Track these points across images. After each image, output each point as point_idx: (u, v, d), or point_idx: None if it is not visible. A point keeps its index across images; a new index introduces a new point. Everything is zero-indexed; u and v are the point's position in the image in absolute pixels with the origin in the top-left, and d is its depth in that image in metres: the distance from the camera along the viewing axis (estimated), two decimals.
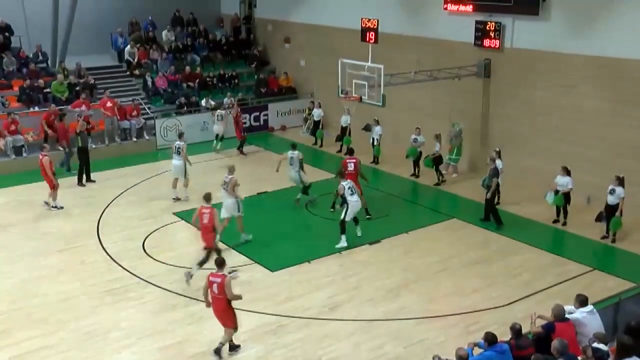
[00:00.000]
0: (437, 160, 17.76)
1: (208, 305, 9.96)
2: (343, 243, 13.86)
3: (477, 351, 8.25)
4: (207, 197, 12.26)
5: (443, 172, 18.07)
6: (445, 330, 10.70)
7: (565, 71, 16.27)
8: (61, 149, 18.83)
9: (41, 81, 21.15)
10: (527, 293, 11.89)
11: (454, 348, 8.07)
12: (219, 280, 9.62)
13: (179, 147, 16.33)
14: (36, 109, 20.37)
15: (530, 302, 11.47)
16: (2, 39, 22.27)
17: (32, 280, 12.51)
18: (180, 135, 17.02)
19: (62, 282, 12.45)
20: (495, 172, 14.82)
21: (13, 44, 22.77)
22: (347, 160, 15.44)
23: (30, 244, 14.16)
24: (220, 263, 9.91)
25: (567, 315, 8.66)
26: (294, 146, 16.42)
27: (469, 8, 17.99)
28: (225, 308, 9.76)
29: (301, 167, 16.19)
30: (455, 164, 18.28)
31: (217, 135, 21.18)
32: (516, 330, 8.33)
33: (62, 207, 16.04)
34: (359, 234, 14.23)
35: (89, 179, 18.09)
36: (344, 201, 13.92)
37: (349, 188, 13.88)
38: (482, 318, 11.02)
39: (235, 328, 9.95)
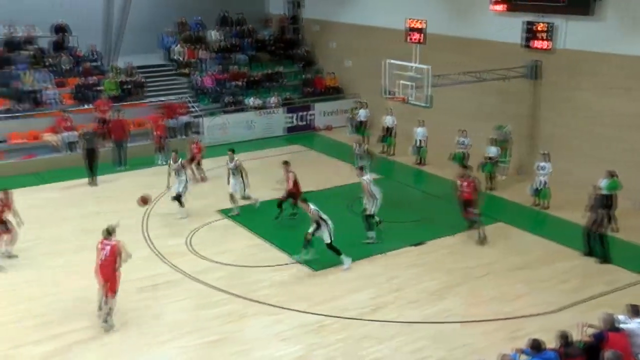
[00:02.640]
0: (495, 166, 17.50)
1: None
2: (347, 263, 12.95)
3: (522, 358, 8.09)
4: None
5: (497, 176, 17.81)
6: (488, 335, 10.53)
7: (619, 73, 15.78)
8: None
9: (95, 78, 21.75)
10: (573, 300, 11.59)
11: (496, 353, 7.94)
12: (111, 245, 10.77)
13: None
14: (91, 106, 20.93)
15: (577, 310, 11.16)
16: (61, 38, 22.97)
17: (78, 273, 12.71)
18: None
19: None
20: (601, 202, 13.32)
21: (67, 43, 23.42)
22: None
23: (82, 236, 14.44)
24: (110, 232, 10.92)
25: (621, 325, 8.40)
26: (232, 151, 15.77)
27: (519, 8, 17.62)
28: (114, 270, 10.77)
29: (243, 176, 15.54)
30: (506, 166, 17.99)
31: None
32: (565, 338, 8.11)
33: None
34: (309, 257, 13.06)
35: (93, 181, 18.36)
36: (319, 226, 12.79)
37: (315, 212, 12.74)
38: (526, 324, 10.80)
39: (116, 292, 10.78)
